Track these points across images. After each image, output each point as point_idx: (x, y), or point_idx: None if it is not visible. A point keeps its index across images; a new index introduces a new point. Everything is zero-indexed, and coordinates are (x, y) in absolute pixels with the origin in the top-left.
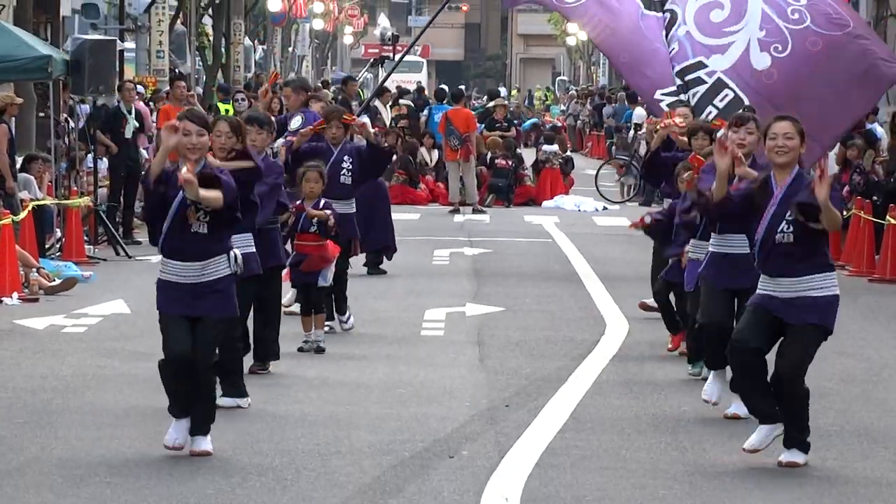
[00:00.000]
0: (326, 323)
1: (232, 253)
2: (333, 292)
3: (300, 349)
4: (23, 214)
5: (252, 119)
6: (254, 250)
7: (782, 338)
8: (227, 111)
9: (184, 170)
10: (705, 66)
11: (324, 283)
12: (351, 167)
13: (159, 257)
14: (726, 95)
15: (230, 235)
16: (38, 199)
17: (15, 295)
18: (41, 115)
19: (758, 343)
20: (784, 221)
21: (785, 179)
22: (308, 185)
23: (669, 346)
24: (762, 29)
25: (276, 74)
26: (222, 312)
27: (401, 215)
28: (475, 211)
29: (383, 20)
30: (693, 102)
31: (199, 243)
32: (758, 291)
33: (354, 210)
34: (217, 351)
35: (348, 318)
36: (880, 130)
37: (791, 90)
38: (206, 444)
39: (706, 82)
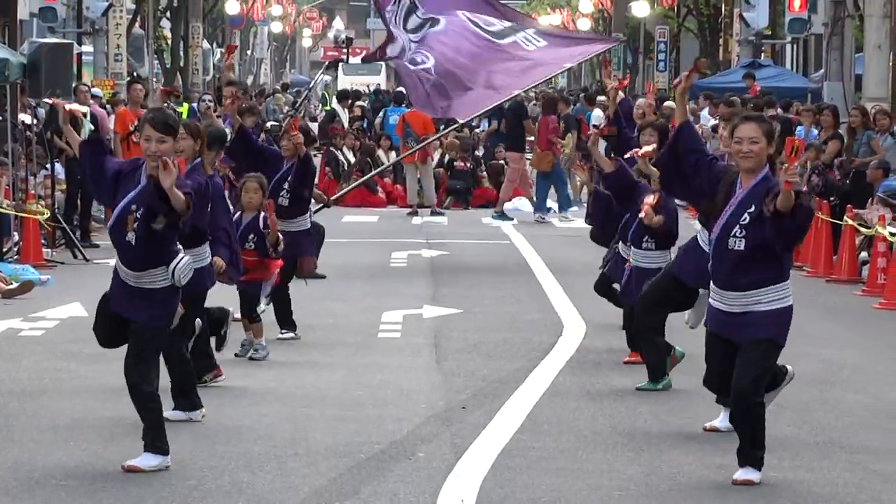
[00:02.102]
0: (288, 334)
1: (173, 265)
2: (277, 309)
3: (237, 354)
4: None
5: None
6: (207, 264)
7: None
8: (181, 113)
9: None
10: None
11: (262, 304)
12: (290, 190)
13: (116, 259)
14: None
15: (161, 251)
16: None
17: None
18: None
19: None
20: (738, 226)
21: (749, 182)
22: (247, 196)
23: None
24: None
25: (232, 47)
26: (150, 321)
27: (359, 217)
28: (433, 213)
29: (338, 23)
30: None
31: (129, 251)
32: (710, 303)
33: (308, 227)
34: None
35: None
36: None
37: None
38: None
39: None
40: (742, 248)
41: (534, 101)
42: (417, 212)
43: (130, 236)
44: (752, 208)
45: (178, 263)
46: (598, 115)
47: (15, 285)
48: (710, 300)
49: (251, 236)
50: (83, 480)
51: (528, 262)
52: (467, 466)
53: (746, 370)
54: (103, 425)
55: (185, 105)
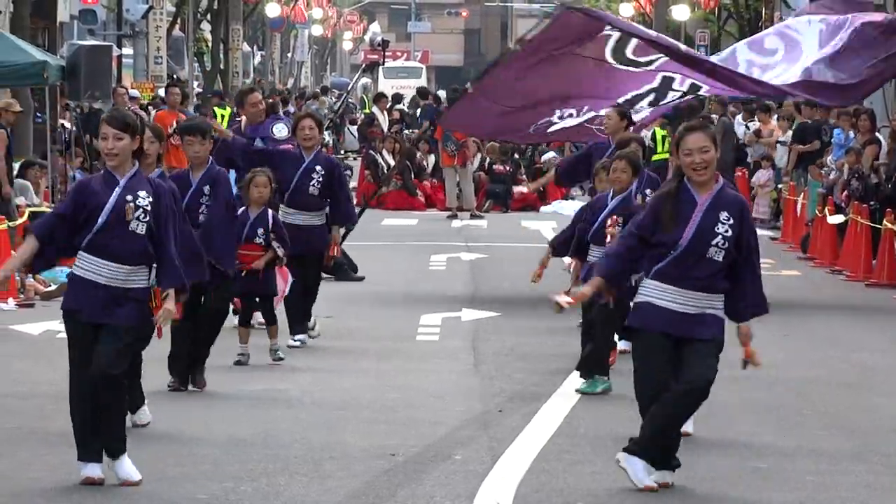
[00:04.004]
0: (298, 337)
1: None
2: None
3: (237, 363)
4: (19, 221)
5: (193, 128)
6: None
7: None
8: (223, 116)
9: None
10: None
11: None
12: (321, 178)
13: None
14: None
15: (165, 245)
16: (34, 205)
17: (11, 300)
18: (38, 121)
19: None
20: (721, 237)
21: (708, 193)
22: (256, 190)
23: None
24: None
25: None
26: (134, 322)
27: (398, 220)
28: (473, 216)
29: (374, 26)
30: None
31: (130, 242)
32: (651, 304)
33: (324, 222)
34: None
35: (314, 326)
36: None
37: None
38: (129, 469)
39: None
40: (721, 259)
41: None
42: (457, 215)
43: (136, 225)
44: (730, 223)
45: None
46: None
47: (53, 287)
48: (655, 300)
49: (260, 231)
50: (118, 483)
51: (567, 265)
52: (504, 469)
53: (706, 366)
54: (137, 428)
55: (227, 109)
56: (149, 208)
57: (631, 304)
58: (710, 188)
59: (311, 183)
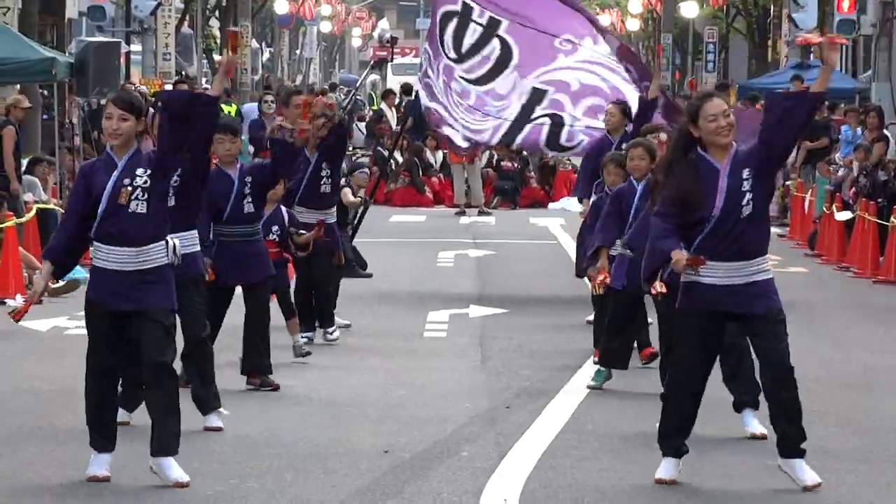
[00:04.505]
0: (305, 335)
1: (171, 242)
2: (318, 304)
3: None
4: (27, 217)
5: (223, 127)
6: (199, 249)
7: (750, 335)
8: (229, 112)
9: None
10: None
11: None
12: (330, 174)
13: (101, 254)
14: None
15: (164, 221)
16: (42, 202)
17: (18, 296)
18: (45, 117)
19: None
20: (748, 194)
21: (727, 156)
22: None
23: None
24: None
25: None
26: (162, 301)
27: (406, 217)
28: (481, 213)
29: (383, 23)
30: None
31: (135, 223)
32: (695, 283)
33: (335, 220)
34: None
35: (334, 331)
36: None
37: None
38: (178, 471)
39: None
40: (751, 210)
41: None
42: (465, 212)
43: (136, 205)
44: (746, 171)
45: (174, 239)
46: None
47: (61, 283)
48: (702, 279)
49: (274, 227)
50: (127, 478)
51: (575, 262)
52: (511, 466)
53: (779, 343)
54: (147, 425)
55: (234, 105)
56: (147, 185)
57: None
58: (728, 152)
59: (322, 182)
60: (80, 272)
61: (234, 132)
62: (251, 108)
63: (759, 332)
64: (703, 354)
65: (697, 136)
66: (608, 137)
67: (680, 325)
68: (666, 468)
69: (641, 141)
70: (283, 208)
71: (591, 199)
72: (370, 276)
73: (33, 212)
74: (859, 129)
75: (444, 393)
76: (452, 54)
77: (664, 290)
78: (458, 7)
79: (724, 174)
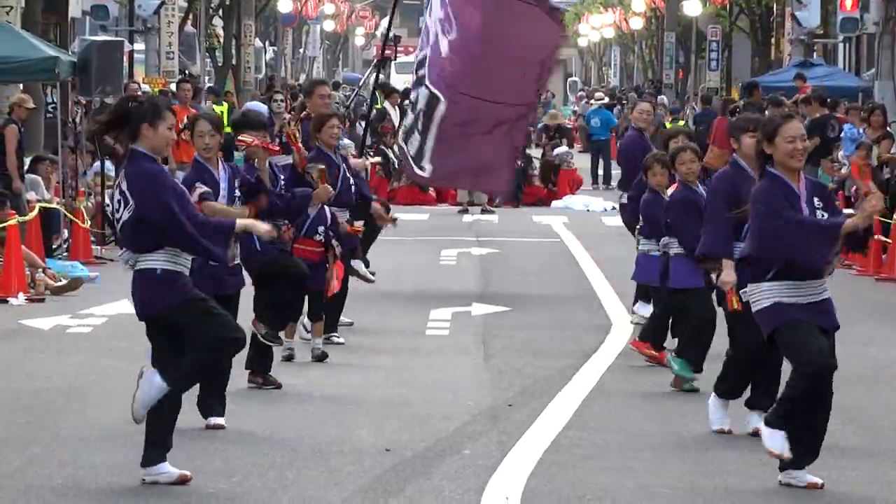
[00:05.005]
0: (304, 337)
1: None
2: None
3: (285, 358)
4: (30, 216)
5: (250, 125)
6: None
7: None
8: (222, 113)
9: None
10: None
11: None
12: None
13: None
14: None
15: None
16: (45, 201)
17: (21, 295)
18: (49, 116)
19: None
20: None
21: (800, 179)
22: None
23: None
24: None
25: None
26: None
27: (409, 215)
28: (484, 211)
29: (385, 22)
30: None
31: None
32: (779, 303)
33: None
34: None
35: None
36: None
37: (469, 74)
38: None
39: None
40: None
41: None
42: (468, 210)
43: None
44: (817, 200)
45: None
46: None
47: (64, 282)
48: (785, 299)
49: (321, 228)
50: (128, 477)
51: (578, 260)
52: (513, 464)
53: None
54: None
55: (225, 105)
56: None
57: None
58: (799, 176)
59: (351, 182)
60: (81, 271)
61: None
62: (255, 107)
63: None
64: (815, 343)
65: (770, 154)
66: (641, 134)
67: (789, 335)
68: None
69: (690, 145)
70: (328, 209)
71: (627, 196)
72: (373, 278)
73: (36, 211)
74: (862, 127)
75: (447, 391)
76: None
77: (739, 306)
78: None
79: (804, 200)
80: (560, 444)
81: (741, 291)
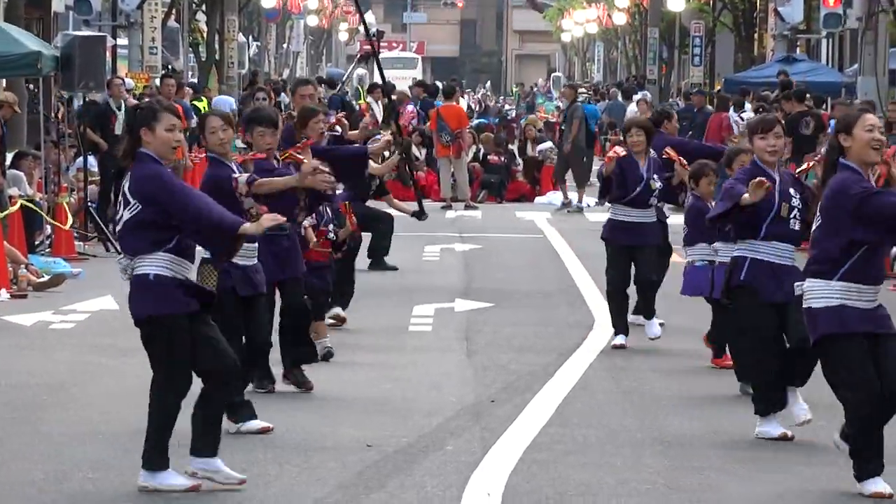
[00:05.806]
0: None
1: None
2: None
3: (323, 357)
4: (11, 210)
5: (264, 120)
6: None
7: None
8: (203, 109)
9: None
10: None
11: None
12: None
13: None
14: None
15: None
16: (27, 196)
17: (3, 291)
18: (33, 111)
19: None
20: None
21: (871, 175)
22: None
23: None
24: None
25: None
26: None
27: (391, 211)
28: (467, 207)
29: (369, 16)
30: None
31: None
32: (842, 306)
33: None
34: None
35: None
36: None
37: None
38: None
39: None
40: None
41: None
42: (451, 206)
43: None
44: None
45: None
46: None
47: (46, 278)
48: (847, 301)
49: (331, 227)
50: (110, 473)
51: (561, 256)
52: (495, 460)
53: None
54: (132, 419)
55: (204, 100)
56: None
57: None
58: (872, 171)
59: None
60: (64, 267)
61: (274, 125)
62: (223, 101)
63: (889, 351)
64: (868, 374)
65: (847, 147)
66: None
67: (834, 349)
68: None
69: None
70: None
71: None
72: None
73: (17, 206)
74: None
75: (430, 387)
76: None
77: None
78: None
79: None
80: (542, 440)
81: (796, 284)
